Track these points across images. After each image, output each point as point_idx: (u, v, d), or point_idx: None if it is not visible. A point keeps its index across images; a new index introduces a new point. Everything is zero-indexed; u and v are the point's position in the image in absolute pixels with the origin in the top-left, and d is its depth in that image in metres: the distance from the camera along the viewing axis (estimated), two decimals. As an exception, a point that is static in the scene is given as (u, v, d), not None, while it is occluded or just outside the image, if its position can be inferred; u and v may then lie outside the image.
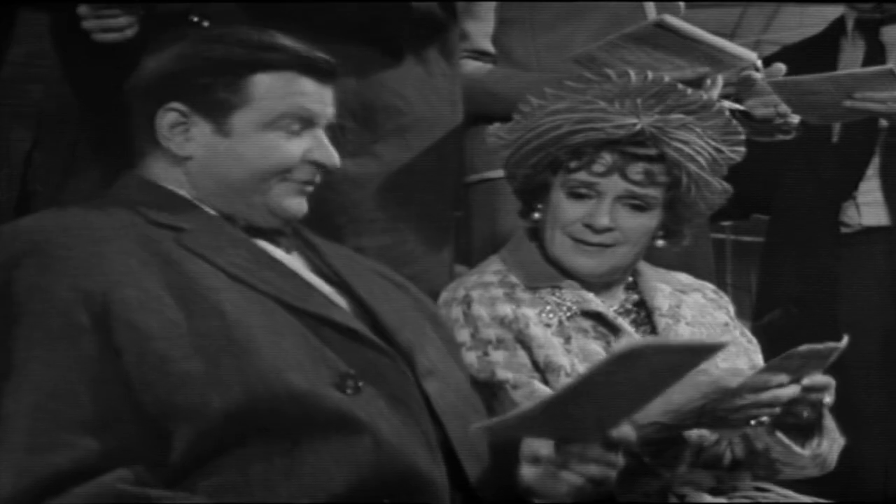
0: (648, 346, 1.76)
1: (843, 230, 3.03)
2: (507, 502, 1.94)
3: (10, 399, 1.78)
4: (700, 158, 2.31)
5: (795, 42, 3.32)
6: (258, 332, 1.85)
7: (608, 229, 2.31)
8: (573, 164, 2.31)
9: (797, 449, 2.26)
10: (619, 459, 1.89)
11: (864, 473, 2.48)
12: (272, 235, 2.03)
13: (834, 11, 3.34)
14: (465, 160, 2.86)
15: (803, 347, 2.13)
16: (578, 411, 1.80)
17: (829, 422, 2.28)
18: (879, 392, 2.61)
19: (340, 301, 2.00)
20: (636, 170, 2.29)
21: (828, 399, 2.21)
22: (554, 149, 2.31)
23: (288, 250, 2.04)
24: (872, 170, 3.02)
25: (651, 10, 2.83)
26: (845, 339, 2.14)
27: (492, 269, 2.39)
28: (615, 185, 2.30)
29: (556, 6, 2.82)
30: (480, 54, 2.82)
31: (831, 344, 2.14)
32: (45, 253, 1.84)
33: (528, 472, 1.92)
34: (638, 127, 2.27)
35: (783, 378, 2.14)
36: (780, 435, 2.25)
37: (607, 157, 2.29)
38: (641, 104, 2.28)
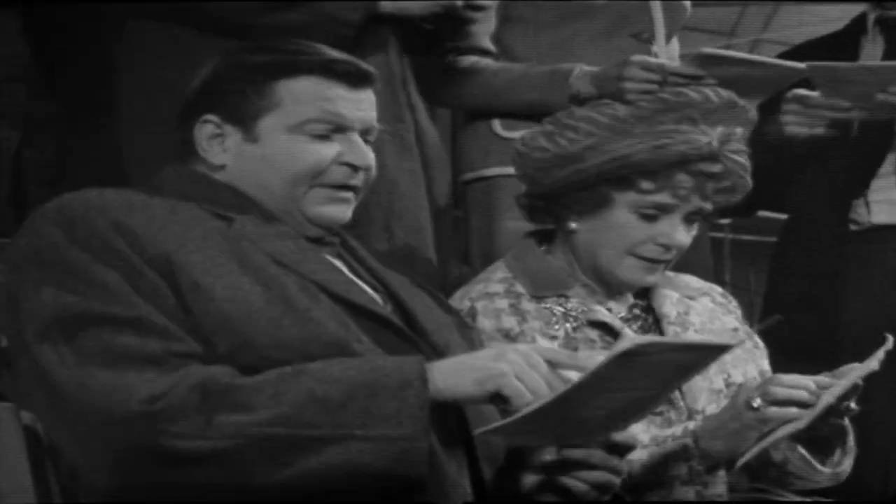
0: (649, 344, 1.73)
1: (852, 227, 3.02)
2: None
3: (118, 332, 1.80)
4: (747, 166, 2.29)
5: (816, 38, 3.30)
6: (315, 305, 1.87)
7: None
8: (648, 186, 2.25)
9: (819, 467, 2.22)
10: (623, 465, 1.88)
11: (866, 473, 2.47)
12: (317, 241, 2.02)
13: (834, 10, 3.34)
14: (464, 157, 2.86)
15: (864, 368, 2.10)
16: (579, 414, 1.78)
17: (852, 440, 2.24)
18: (882, 391, 2.61)
19: (380, 302, 2.00)
20: (711, 188, 2.27)
21: (853, 405, 2.16)
22: (623, 169, 2.25)
23: (333, 255, 2.04)
24: (887, 167, 3.01)
25: (657, 9, 2.82)
26: (891, 340, 2.12)
27: (497, 276, 2.34)
28: (691, 204, 2.27)
29: (560, 5, 2.81)
30: (482, 53, 2.81)
31: (881, 352, 2.12)
32: (112, 219, 1.85)
33: (531, 477, 1.91)
34: (714, 145, 2.24)
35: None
36: (802, 450, 2.21)
37: (686, 178, 2.25)
38: (704, 120, 2.25)
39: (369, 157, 2.02)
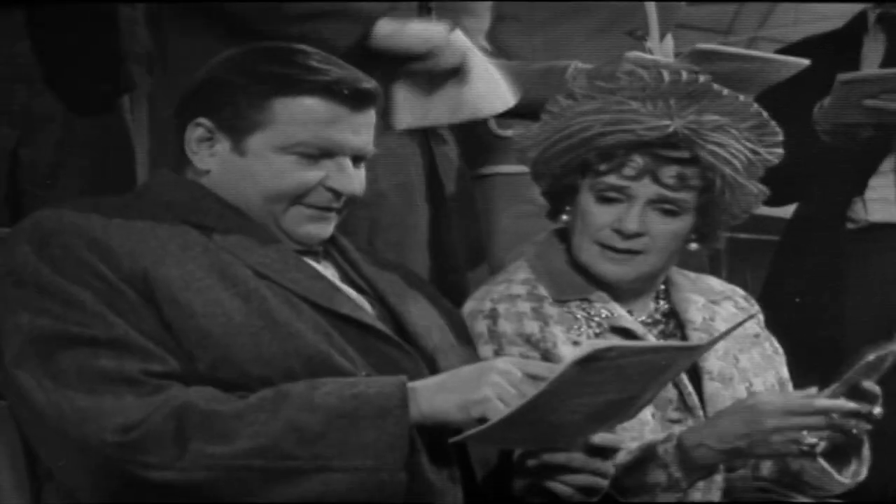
0: (609, 349, 1.72)
1: (850, 226, 3.02)
2: None
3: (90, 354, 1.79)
4: (736, 161, 2.23)
5: (817, 35, 3.29)
6: (297, 317, 1.86)
7: (637, 234, 2.23)
8: (602, 167, 2.23)
9: (838, 477, 2.18)
10: (608, 466, 1.88)
11: (867, 473, 2.47)
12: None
13: (830, 8, 3.33)
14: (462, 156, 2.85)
15: (871, 357, 2.08)
16: (554, 418, 1.78)
17: (867, 449, 2.21)
18: (882, 391, 2.61)
19: (366, 307, 1.99)
20: (668, 173, 2.22)
21: (878, 410, 2.13)
22: (583, 150, 2.23)
23: (317, 259, 2.03)
24: (886, 166, 3.01)
25: (652, 6, 2.82)
26: None
27: (520, 277, 2.30)
28: (646, 188, 2.22)
29: (554, 4, 2.81)
30: None
31: (893, 347, 2.10)
32: (87, 236, 1.84)
33: (517, 481, 1.91)
34: (671, 129, 2.19)
35: (828, 403, 2.09)
36: (822, 461, 2.17)
37: (638, 160, 2.21)
38: (675, 105, 2.21)
39: (355, 184, 2.00)
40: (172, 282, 1.83)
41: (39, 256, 1.83)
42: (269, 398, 1.77)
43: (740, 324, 2.22)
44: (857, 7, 3.20)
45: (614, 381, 1.76)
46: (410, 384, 1.80)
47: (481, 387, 1.77)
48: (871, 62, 3.09)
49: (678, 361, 1.88)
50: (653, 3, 2.83)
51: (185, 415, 1.75)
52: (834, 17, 3.35)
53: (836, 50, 3.04)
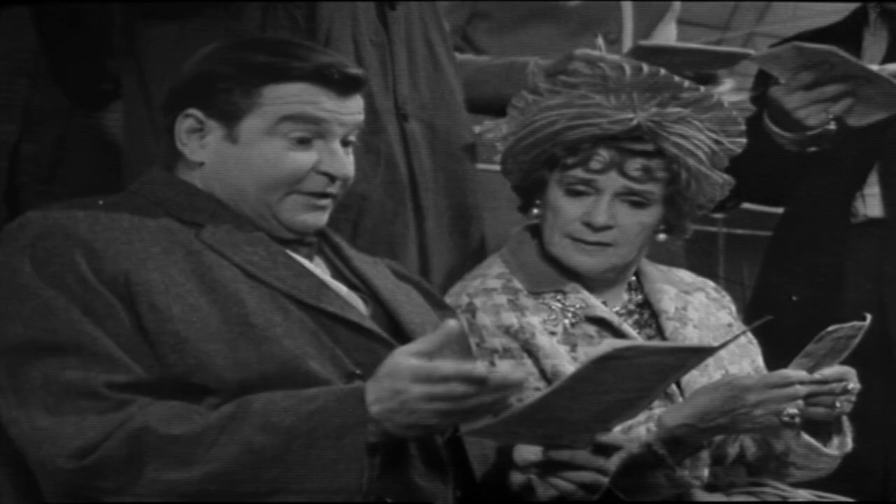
0: (628, 348, 1.74)
1: (852, 220, 3.02)
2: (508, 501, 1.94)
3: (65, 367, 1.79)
4: (699, 152, 2.27)
5: (814, 29, 3.29)
6: (277, 321, 1.86)
7: (606, 227, 2.26)
8: (569, 161, 2.26)
9: (824, 449, 2.23)
10: (610, 464, 1.89)
11: (863, 470, 2.47)
12: (291, 243, 2.01)
13: (827, 5, 3.33)
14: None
15: (831, 328, 2.13)
16: (564, 416, 1.78)
17: (846, 421, 2.26)
18: (879, 388, 2.61)
19: (359, 304, 2.00)
20: (634, 166, 2.25)
21: (852, 385, 2.19)
22: (549, 145, 2.27)
23: (308, 256, 2.03)
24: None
25: (628, 9, 2.82)
26: (868, 318, 2.13)
27: (494, 272, 2.34)
28: (613, 181, 2.26)
29: (526, 5, 2.81)
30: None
31: (857, 323, 2.14)
32: (75, 237, 1.85)
33: (519, 477, 1.91)
34: (634, 122, 2.23)
35: (802, 374, 2.14)
36: (807, 437, 2.22)
37: (604, 154, 2.24)
38: (637, 98, 2.24)
39: (348, 167, 2.00)
40: (153, 286, 1.84)
41: (22, 259, 1.84)
42: (229, 415, 1.77)
43: (745, 331, 2.26)
44: (854, 4, 3.19)
45: (627, 379, 1.77)
46: (369, 397, 1.75)
47: (415, 416, 1.73)
48: (873, 56, 3.08)
49: (689, 362, 1.90)
50: (629, 6, 2.83)
51: (143, 438, 1.75)
52: (831, 14, 3.35)
53: (835, 44, 3.03)
